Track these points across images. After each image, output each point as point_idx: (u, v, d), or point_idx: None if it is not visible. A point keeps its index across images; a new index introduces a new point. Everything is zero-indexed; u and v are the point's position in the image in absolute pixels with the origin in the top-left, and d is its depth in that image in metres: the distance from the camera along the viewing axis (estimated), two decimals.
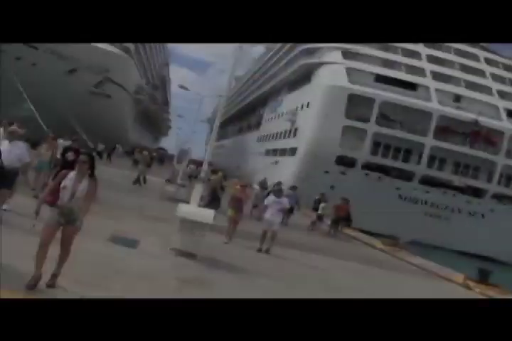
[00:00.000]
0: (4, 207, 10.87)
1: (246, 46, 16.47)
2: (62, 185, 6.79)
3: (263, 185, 27.74)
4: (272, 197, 15.07)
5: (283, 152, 57.64)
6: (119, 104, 66.06)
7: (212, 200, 15.74)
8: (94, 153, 45.34)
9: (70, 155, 14.65)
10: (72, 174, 6.89)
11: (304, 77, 57.58)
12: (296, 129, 55.11)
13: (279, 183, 25.09)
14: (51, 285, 6.83)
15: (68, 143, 17.75)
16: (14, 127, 11.27)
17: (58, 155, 15.67)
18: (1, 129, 13.97)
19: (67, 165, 11.87)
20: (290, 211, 21.68)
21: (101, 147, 48.54)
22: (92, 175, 6.96)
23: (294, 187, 24.89)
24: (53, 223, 6.74)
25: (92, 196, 7.01)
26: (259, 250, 14.19)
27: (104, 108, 60.71)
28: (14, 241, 8.00)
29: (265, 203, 15.12)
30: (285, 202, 15.09)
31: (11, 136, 10.41)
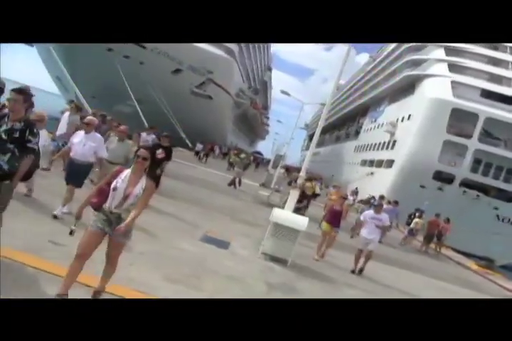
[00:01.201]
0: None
1: (351, 54, 16.26)
2: (112, 185, 5.58)
3: (356, 195, 27.40)
4: (370, 213, 13.62)
5: (379, 163, 56.92)
6: (219, 105, 67.45)
7: (298, 208, 15.40)
8: (193, 153, 46.38)
9: (160, 153, 13.76)
10: (126, 173, 5.69)
11: (407, 88, 56.66)
12: (394, 141, 54.33)
13: (381, 197, 24.60)
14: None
15: (151, 137, 16.78)
16: (90, 117, 10.63)
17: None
18: (67, 113, 13.77)
19: (155, 164, 11.26)
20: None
21: (199, 147, 49.43)
22: (149, 176, 5.79)
23: (395, 202, 24.12)
24: (97, 231, 5.55)
25: (146, 201, 5.72)
26: (353, 271, 13.02)
27: (205, 109, 62.09)
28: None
29: (361, 218, 13.63)
30: (385, 218, 13.47)
31: (87, 128, 9.70)
